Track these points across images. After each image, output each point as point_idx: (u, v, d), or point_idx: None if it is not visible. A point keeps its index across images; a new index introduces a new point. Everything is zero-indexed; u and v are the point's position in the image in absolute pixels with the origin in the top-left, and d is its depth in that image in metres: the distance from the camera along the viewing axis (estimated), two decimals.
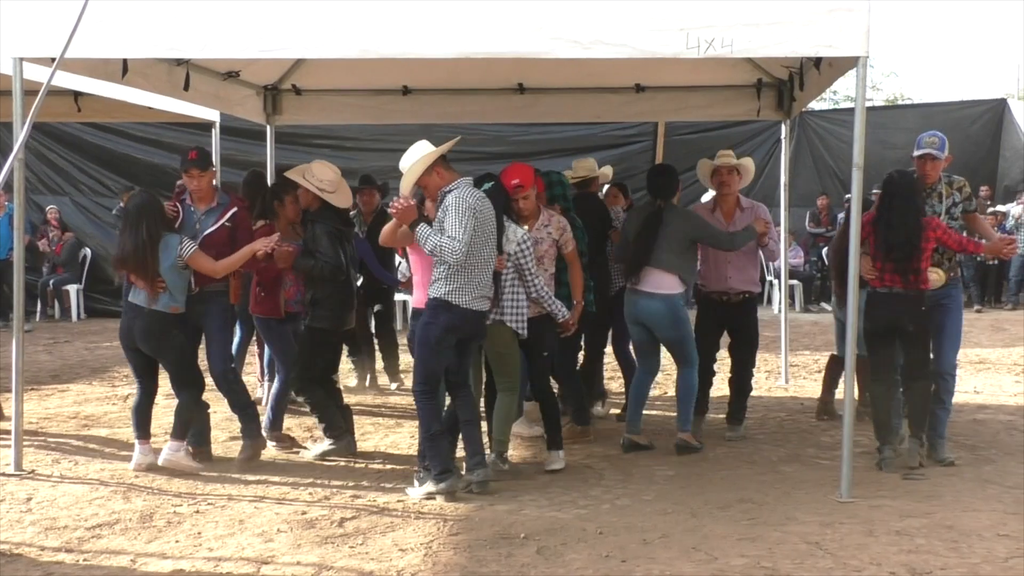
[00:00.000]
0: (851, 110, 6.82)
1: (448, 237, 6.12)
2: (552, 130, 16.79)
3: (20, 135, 5.14)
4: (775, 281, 16.96)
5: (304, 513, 6.03)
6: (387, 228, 6.63)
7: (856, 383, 7.31)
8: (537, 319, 6.89)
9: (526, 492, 6.49)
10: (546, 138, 16.87)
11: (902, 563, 5.11)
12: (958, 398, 9.41)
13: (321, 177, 7.21)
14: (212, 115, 10.12)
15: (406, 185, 6.47)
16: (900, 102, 32.69)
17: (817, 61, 7.64)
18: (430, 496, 6.29)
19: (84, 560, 5.27)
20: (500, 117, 11.39)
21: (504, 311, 6.71)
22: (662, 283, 7.34)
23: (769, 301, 17.44)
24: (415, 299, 6.74)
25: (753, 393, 8.18)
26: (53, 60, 5.81)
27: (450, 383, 6.56)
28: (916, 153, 7.09)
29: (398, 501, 6.26)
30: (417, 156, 6.37)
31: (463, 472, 6.46)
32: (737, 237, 7.49)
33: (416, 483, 6.45)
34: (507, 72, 9.53)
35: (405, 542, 5.51)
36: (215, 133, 10.48)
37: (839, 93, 31.28)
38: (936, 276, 6.98)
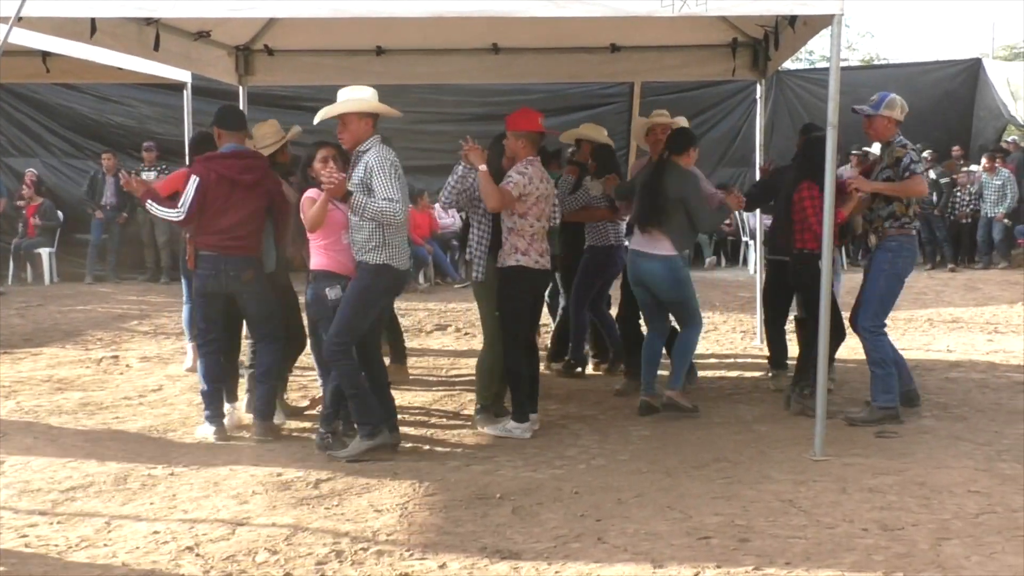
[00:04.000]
0: (827, 69, 6.80)
1: (385, 200, 6.12)
2: (530, 90, 16.70)
3: None
4: (750, 242, 17.01)
5: (279, 475, 6.02)
6: (318, 208, 6.25)
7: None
8: (498, 272, 6.91)
9: (502, 453, 6.51)
10: (524, 99, 16.75)
11: (874, 519, 5.15)
12: (931, 356, 9.58)
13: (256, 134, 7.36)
14: (183, 76, 9.99)
15: (333, 110, 6.34)
16: (876, 62, 32.69)
17: (792, 20, 7.61)
18: (365, 455, 6.27)
19: (58, 522, 5.25)
20: (475, 78, 11.31)
21: (468, 250, 7.03)
22: (659, 244, 7.26)
23: (744, 262, 17.49)
24: (314, 262, 6.54)
25: (728, 352, 8.22)
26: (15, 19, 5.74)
27: (362, 344, 6.53)
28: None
29: (373, 463, 6.26)
30: (367, 96, 6.35)
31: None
32: (715, 219, 7.44)
33: (323, 448, 6.44)
34: (481, 32, 9.45)
35: (381, 503, 5.52)
36: (187, 94, 10.35)
37: (815, 53, 31.30)
38: (869, 240, 7.12)
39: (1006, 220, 17.17)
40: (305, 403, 7.70)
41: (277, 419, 7.05)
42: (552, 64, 10.26)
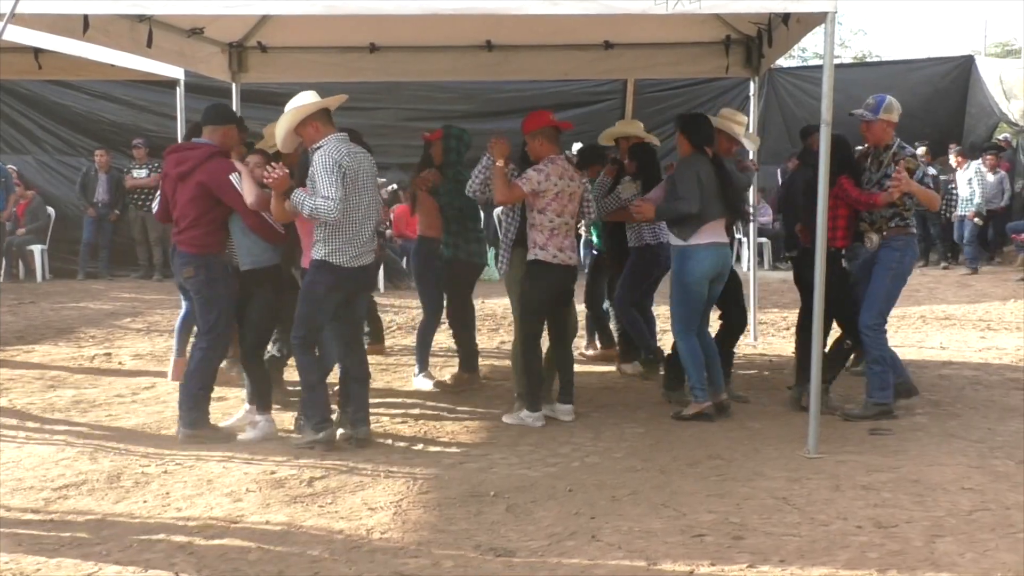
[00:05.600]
0: (820, 67, 6.83)
1: (322, 198, 6.16)
2: (522, 87, 16.70)
3: None
4: (744, 239, 17.02)
5: (273, 473, 6.02)
6: (273, 204, 6.40)
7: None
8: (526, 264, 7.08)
9: (496, 450, 6.50)
10: (517, 96, 16.77)
11: (868, 517, 5.16)
12: (924, 354, 9.58)
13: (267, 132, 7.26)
14: (177, 73, 9.96)
15: (279, 135, 6.46)
16: (868, 59, 32.72)
17: (785, 17, 7.60)
18: (310, 445, 6.39)
19: (51, 521, 5.24)
20: (468, 75, 11.32)
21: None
22: (723, 232, 7.29)
23: (738, 259, 17.50)
24: (303, 260, 6.72)
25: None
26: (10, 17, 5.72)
27: (343, 338, 6.58)
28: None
29: (367, 460, 6.26)
30: (297, 105, 6.36)
31: (349, 426, 6.59)
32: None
33: (297, 432, 6.62)
34: (475, 29, 9.43)
35: (375, 501, 5.51)
36: (180, 91, 10.32)
37: (808, 51, 31.27)
38: (869, 239, 7.13)
39: (976, 220, 16.34)
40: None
41: (270, 430, 6.88)
42: (546, 61, 10.26)
